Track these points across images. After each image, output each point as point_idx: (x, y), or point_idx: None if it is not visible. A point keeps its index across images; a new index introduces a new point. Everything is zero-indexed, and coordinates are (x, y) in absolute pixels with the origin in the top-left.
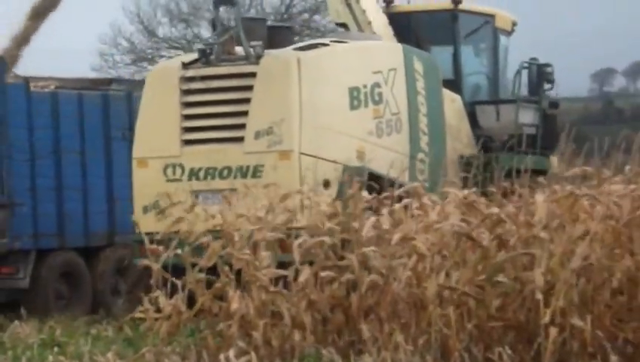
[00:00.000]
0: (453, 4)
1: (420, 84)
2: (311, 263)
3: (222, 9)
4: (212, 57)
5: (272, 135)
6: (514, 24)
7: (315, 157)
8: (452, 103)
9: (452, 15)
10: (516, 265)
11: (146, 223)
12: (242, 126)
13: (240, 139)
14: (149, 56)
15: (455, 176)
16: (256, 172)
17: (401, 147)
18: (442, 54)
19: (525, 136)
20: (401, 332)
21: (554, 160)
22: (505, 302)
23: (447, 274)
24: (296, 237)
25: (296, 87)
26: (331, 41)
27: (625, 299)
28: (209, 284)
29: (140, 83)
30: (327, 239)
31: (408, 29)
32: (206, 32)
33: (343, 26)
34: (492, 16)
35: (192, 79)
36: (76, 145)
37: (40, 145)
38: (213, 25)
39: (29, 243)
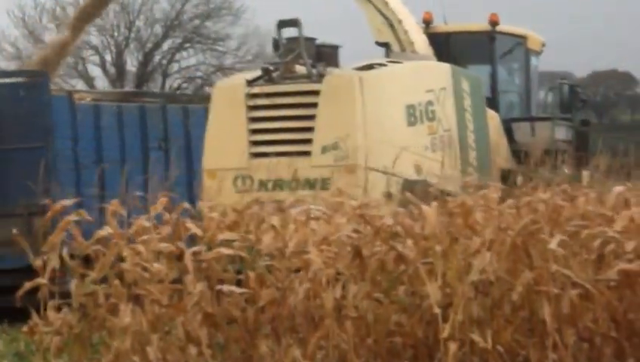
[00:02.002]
0: (491, 25)
1: (467, 102)
2: (207, 276)
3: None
4: (275, 75)
5: (338, 150)
6: (543, 45)
7: (378, 170)
8: (492, 120)
9: (489, 36)
10: (414, 279)
11: None
12: (308, 141)
13: (307, 153)
14: None
15: None
16: (324, 184)
17: (453, 162)
18: (478, 73)
19: (559, 151)
20: (298, 346)
21: (585, 173)
22: (404, 316)
23: (344, 288)
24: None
25: (359, 105)
26: (388, 61)
27: (526, 313)
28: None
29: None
30: (224, 250)
31: (447, 48)
32: (93, 37)
33: (385, 45)
34: (524, 37)
35: (257, 96)
36: (116, 155)
37: (83, 155)
38: (276, 45)
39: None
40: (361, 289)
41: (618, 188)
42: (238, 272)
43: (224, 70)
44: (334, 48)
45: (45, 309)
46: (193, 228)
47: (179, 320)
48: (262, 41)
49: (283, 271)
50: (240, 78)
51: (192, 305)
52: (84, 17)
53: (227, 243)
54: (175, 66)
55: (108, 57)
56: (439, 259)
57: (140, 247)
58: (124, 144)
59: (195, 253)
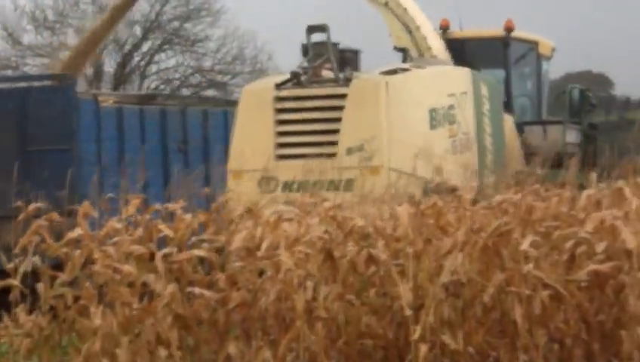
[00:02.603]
0: (506, 31)
1: (486, 106)
2: (178, 278)
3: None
4: (303, 79)
5: (363, 151)
6: (553, 50)
7: (401, 172)
8: (506, 123)
9: (504, 42)
10: (385, 280)
11: None
12: (334, 143)
13: (332, 155)
14: (14, 64)
15: None
16: (348, 185)
17: (471, 164)
18: (492, 77)
19: (569, 154)
20: (269, 348)
21: (593, 175)
22: (374, 318)
23: (315, 290)
24: None
25: (384, 108)
26: (411, 66)
27: (497, 315)
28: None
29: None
30: (196, 252)
31: (462, 53)
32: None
33: (403, 50)
34: (536, 43)
35: (285, 99)
36: (138, 157)
37: (106, 156)
38: (305, 50)
39: None
40: (332, 291)
41: (589, 190)
42: (208, 273)
43: (203, 72)
44: (355, 53)
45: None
46: (165, 229)
47: (149, 322)
48: (241, 43)
49: (254, 272)
50: (268, 82)
51: (163, 306)
52: (96, 38)
53: (198, 244)
54: (153, 68)
55: None
56: (411, 261)
57: (111, 249)
58: (145, 146)
59: (165, 255)
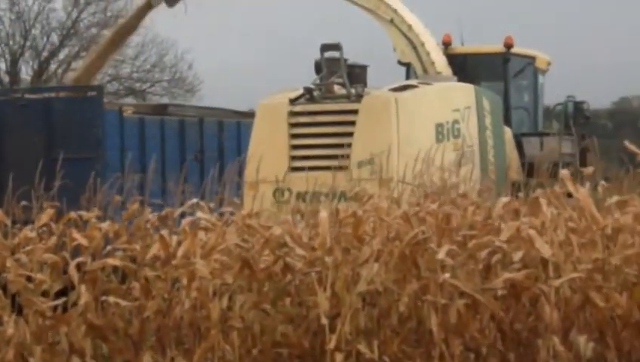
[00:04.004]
0: (506, 47)
1: (488, 120)
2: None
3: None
4: (316, 95)
5: (374, 164)
6: (549, 64)
7: (410, 183)
8: (505, 135)
9: (504, 57)
10: (301, 289)
11: None
12: (346, 156)
13: (344, 168)
14: None
15: None
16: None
17: (475, 176)
18: (492, 91)
19: (565, 164)
20: (183, 358)
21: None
22: (290, 327)
23: (231, 299)
24: None
25: (395, 123)
26: (419, 83)
27: (412, 324)
28: None
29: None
30: (110, 261)
31: (463, 67)
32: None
33: (407, 65)
34: (533, 57)
35: (299, 114)
36: (158, 165)
37: (129, 165)
38: (318, 67)
39: None
40: (248, 300)
41: (504, 199)
42: (122, 282)
43: (121, 79)
44: (364, 68)
45: None
46: (79, 238)
47: (63, 331)
48: (160, 50)
49: (169, 281)
50: (283, 97)
51: (77, 315)
52: (109, 50)
53: (113, 253)
54: (71, 75)
55: (2, 65)
56: (328, 269)
57: (24, 258)
58: (165, 155)
59: (80, 264)
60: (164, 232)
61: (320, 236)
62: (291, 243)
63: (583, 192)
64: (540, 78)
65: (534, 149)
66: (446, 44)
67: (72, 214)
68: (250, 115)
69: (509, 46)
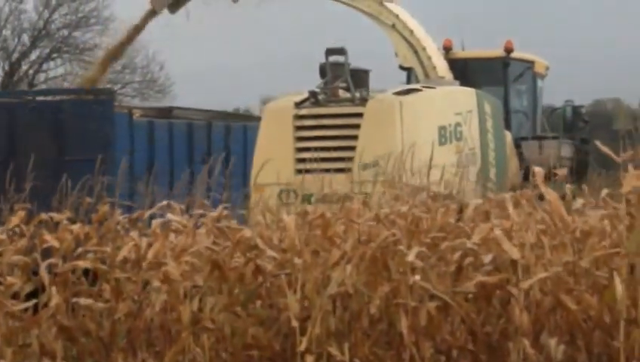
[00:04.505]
0: (505, 52)
1: (489, 124)
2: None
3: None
4: (321, 98)
5: (378, 167)
6: (547, 68)
7: (413, 185)
8: (506, 138)
9: (504, 62)
10: (272, 291)
11: None
12: (350, 159)
13: (348, 170)
14: None
15: None
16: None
17: (476, 178)
18: (492, 95)
19: (564, 168)
20: (154, 360)
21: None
22: (261, 329)
23: (202, 301)
24: None
25: (399, 126)
26: (422, 87)
27: (384, 326)
28: None
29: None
30: (81, 263)
31: (464, 72)
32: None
33: (408, 69)
34: (532, 62)
35: (304, 117)
36: (166, 167)
37: (138, 166)
38: (322, 71)
39: None
40: (219, 302)
41: (476, 201)
42: (93, 284)
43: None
44: (366, 72)
45: None
46: (50, 240)
47: (34, 333)
48: (131, 52)
49: (139, 283)
50: (288, 100)
51: (48, 317)
52: (112, 56)
53: (84, 255)
54: (42, 76)
55: None
56: (298, 272)
57: None
58: (173, 157)
59: (51, 265)
60: (135, 234)
61: (288, 238)
62: (262, 245)
63: (552, 194)
64: (539, 83)
65: (533, 153)
66: (447, 49)
67: (43, 216)
68: (242, 116)
69: (509, 50)
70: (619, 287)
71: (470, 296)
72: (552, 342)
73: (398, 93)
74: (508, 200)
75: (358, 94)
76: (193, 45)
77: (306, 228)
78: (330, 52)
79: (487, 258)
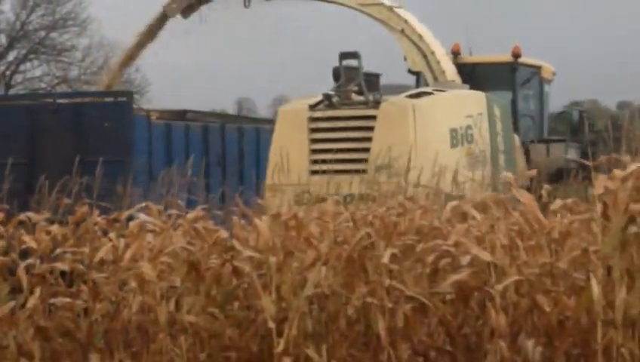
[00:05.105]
0: (513, 57)
1: (499, 126)
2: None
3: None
4: (335, 101)
5: (392, 168)
6: (553, 74)
7: (426, 186)
8: (514, 141)
9: (512, 67)
10: (249, 292)
11: None
12: (364, 160)
13: (363, 171)
14: None
15: None
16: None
17: (487, 180)
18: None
19: (570, 170)
20: (132, 361)
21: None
22: (238, 331)
23: (179, 302)
24: None
25: (412, 129)
26: (434, 90)
27: (361, 328)
28: None
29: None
30: (59, 265)
31: (472, 76)
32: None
33: (417, 74)
34: (539, 67)
35: (318, 119)
36: (183, 169)
37: (156, 168)
38: (336, 74)
39: None
40: (196, 303)
41: (452, 203)
42: (70, 286)
43: (69, 82)
44: (377, 76)
45: None
46: (28, 241)
47: (11, 334)
48: (107, 52)
49: (116, 284)
50: (303, 103)
51: (25, 318)
52: (126, 61)
53: (61, 256)
54: (19, 77)
55: None
56: (274, 273)
57: None
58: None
59: (28, 266)
60: (112, 235)
61: (263, 239)
62: (238, 246)
63: (527, 196)
64: (546, 87)
65: (541, 155)
66: (455, 54)
67: (22, 216)
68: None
69: (516, 56)
70: (595, 289)
71: (447, 297)
72: (530, 343)
73: (411, 96)
74: (486, 203)
75: (371, 97)
76: (169, 44)
77: (282, 228)
78: (344, 56)
79: (465, 259)
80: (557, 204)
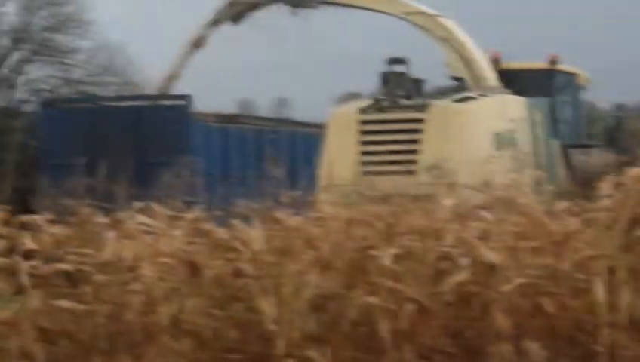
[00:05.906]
0: (551, 64)
1: (539, 130)
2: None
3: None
4: (384, 104)
5: (440, 170)
6: (589, 81)
7: (473, 188)
8: (554, 146)
9: (549, 74)
10: (251, 294)
11: None
12: (414, 161)
13: (412, 172)
14: None
15: None
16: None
17: (530, 182)
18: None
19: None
20: None
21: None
22: (241, 332)
23: (180, 303)
24: None
25: (459, 132)
26: (478, 95)
27: (365, 329)
28: None
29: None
30: (62, 266)
31: (511, 82)
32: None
33: (459, 79)
34: (575, 74)
35: (368, 122)
36: (238, 171)
37: (212, 170)
38: (385, 79)
39: None
40: (198, 305)
41: (448, 202)
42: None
43: (72, 83)
44: (421, 81)
45: None
46: (29, 242)
47: (13, 336)
48: (111, 54)
49: (119, 285)
50: (353, 107)
51: (28, 320)
52: (178, 68)
53: (64, 257)
54: (22, 79)
55: None
56: (275, 275)
57: None
58: (244, 162)
59: (31, 268)
60: (115, 236)
61: (257, 241)
62: (240, 247)
63: (529, 198)
64: (582, 94)
65: (578, 160)
66: (496, 61)
67: (25, 218)
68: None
69: (554, 63)
70: (599, 291)
71: (450, 299)
72: (533, 345)
73: (457, 100)
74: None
75: (419, 101)
76: (171, 46)
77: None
78: (392, 61)
79: (465, 261)
80: (561, 205)
